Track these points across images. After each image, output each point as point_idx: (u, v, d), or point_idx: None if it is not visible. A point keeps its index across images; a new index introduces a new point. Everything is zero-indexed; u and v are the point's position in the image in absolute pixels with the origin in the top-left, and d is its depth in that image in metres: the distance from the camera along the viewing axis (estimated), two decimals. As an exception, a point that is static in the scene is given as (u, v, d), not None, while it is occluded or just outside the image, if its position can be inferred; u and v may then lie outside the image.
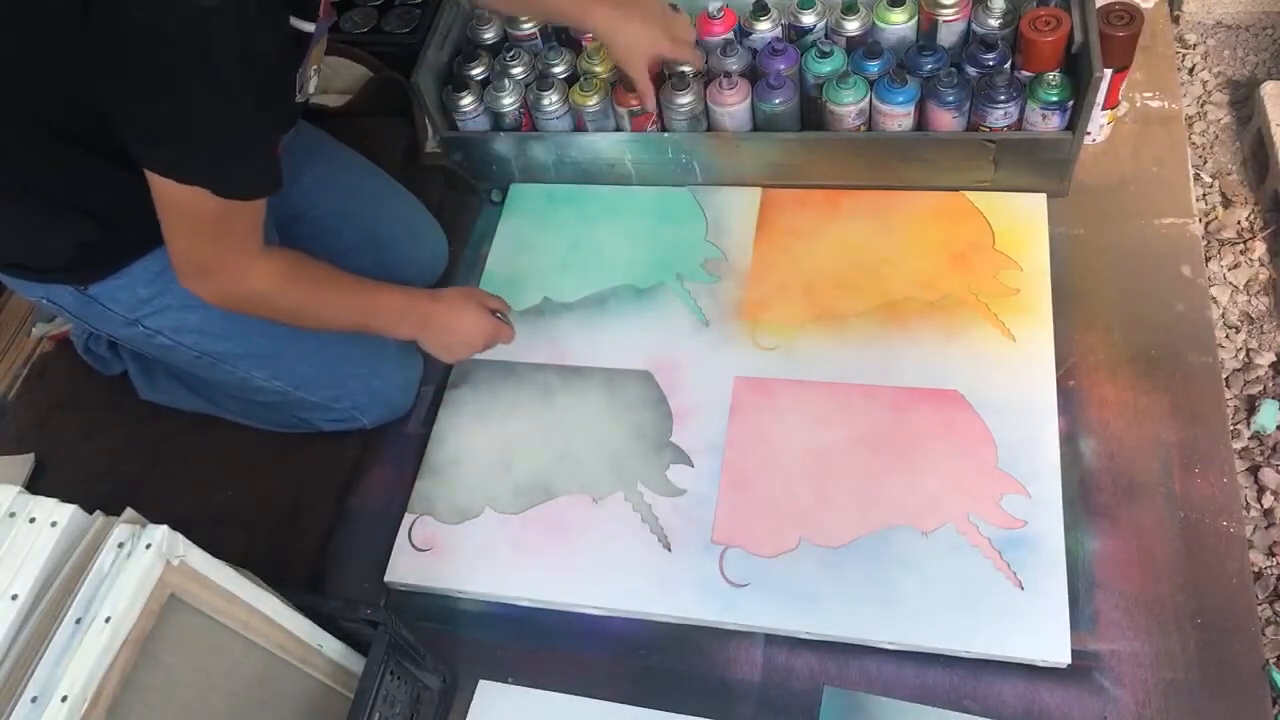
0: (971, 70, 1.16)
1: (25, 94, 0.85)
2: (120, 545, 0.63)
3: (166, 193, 0.83)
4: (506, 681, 0.99)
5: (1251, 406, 1.26)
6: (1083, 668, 0.91)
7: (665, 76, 1.24)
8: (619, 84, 1.24)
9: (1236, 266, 1.38)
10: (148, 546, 0.63)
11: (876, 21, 1.21)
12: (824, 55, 1.18)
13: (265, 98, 0.84)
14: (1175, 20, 1.65)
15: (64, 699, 0.57)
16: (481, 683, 0.99)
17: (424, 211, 1.29)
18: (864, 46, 1.19)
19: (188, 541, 0.66)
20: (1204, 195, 1.46)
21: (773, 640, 0.97)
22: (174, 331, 1.04)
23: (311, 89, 0.98)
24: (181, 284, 0.92)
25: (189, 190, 0.82)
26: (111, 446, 1.24)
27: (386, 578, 1.06)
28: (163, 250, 0.92)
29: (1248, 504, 1.18)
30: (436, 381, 1.21)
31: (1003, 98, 1.12)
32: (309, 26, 0.90)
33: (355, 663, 0.86)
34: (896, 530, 0.99)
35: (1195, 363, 1.07)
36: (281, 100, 0.90)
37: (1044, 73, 1.11)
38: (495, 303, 1.14)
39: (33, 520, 0.63)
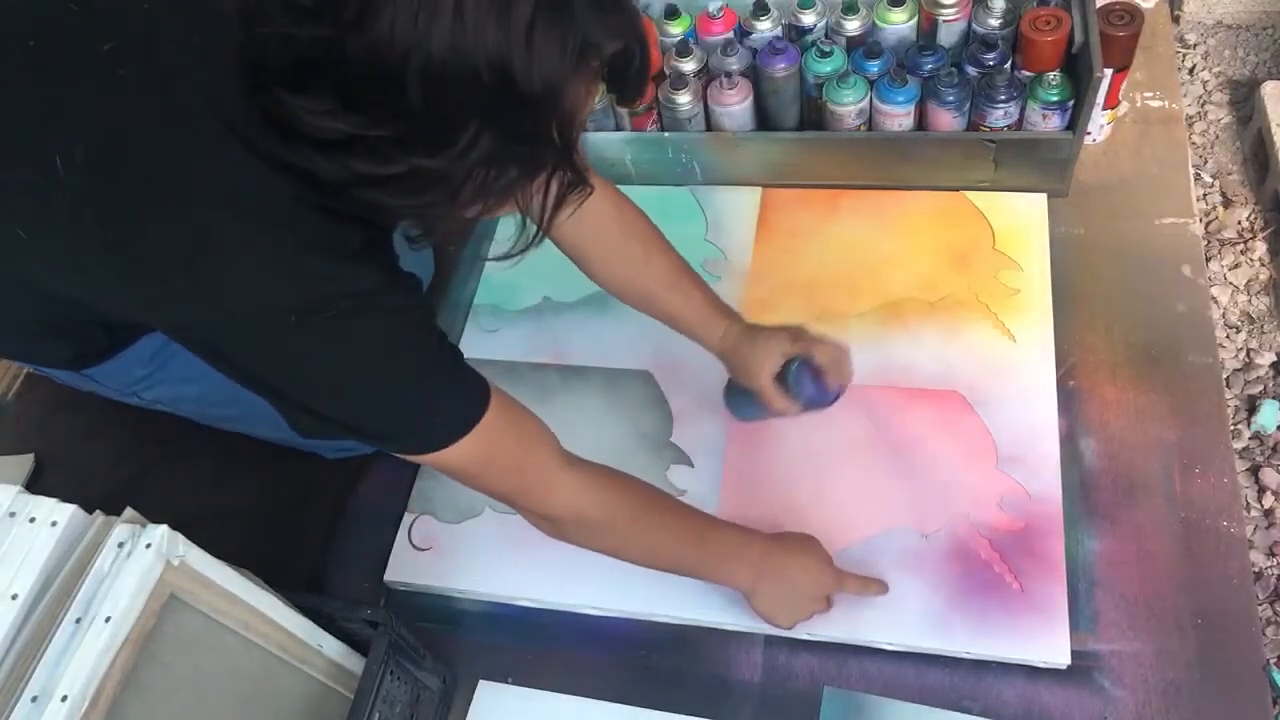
0: (971, 70, 1.16)
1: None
2: (120, 545, 0.63)
3: (406, 458, 0.73)
4: (506, 681, 0.99)
5: (1252, 406, 1.26)
6: (1083, 668, 0.91)
7: (664, 75, 1.24)
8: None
9: (1237, 266, 1.39)
10: (148, 546, 0.63)
11: (876, 21, 1.21)
12: (824, 55, 1.18)
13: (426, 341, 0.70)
14: (1175, 20, 1.66)
15: (64, 699, 0.57)
16: (481, 683, 0.99)
17: None
18: (864, 46, 1.19)
19: (188, 541, 0.66)
20: (1204, 195, 1.46)
21: (773, 641, 0.97)
22: (172, 401, 1.02)
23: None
24: None
25: (411, 457, 0.72)
26: (111, 446, 1.23)
27: (386, 577, 1.06)
28: (158, 334, 0.90)
29: (1248, 504, 1.19)
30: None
31: (1003, 97, 1.12)
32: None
33: (355, 663, 0.86)
34: (896, 531, 0.99)
35: (1195, 363, 1.07)
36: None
37: (1044, 73, 1.11)
38: (825, 555, 0.95)
39: (33, 520, 0.63)
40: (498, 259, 0.66)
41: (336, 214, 0.61)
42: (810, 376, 0.95)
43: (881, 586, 0.94)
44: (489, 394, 0.72)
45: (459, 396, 0.71)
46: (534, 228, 0.64)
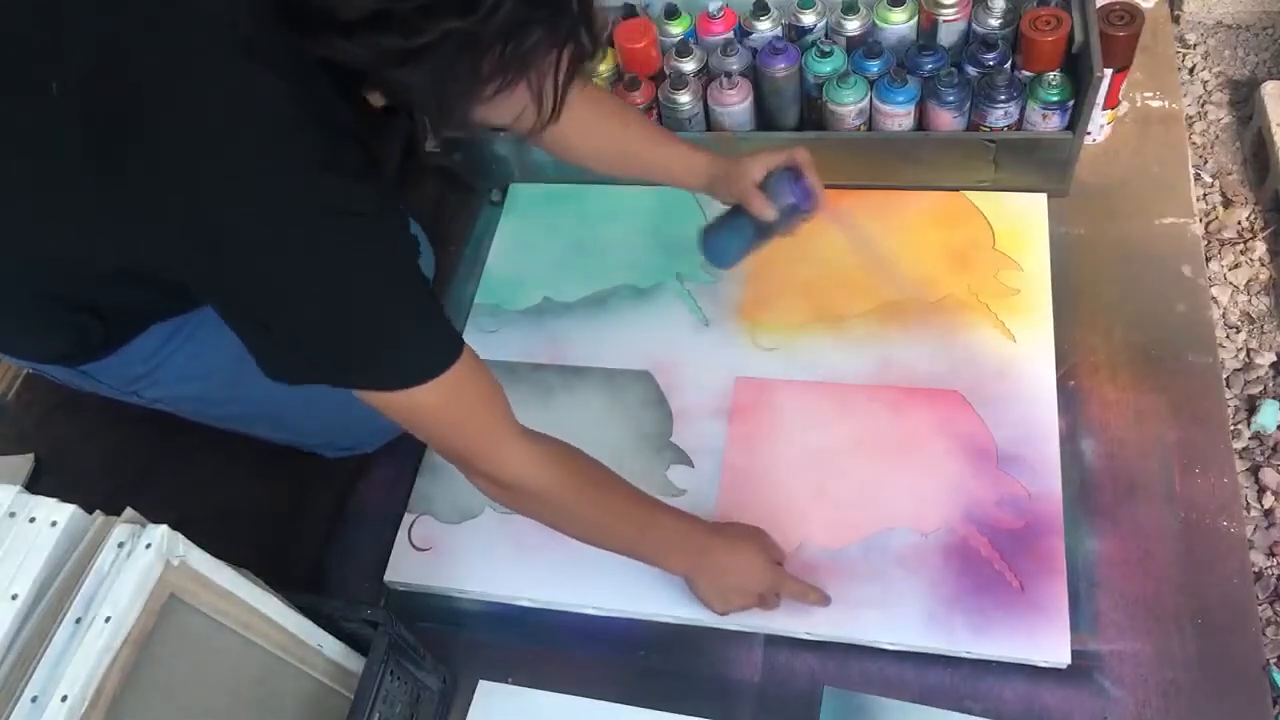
0: (971, 70, 1.16)
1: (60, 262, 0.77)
2: (120, 545, 0.63)
3: (368, 399, 0.72)
4: (506, 681, 0.99)
5: (1252, 406, 1.26)
6: (1083, 668, 0.91)
7: (664, 75, 1.24)
8: (619, 83, 1.24)
9: (1237, 266, 1.39)
10: (148, 546, 0.63)
11: (876, 21, 1.20)
12: (824, 55, 1.18)
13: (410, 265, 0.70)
14: (1175, 20, 1.66)
15: (64, 699, 0.57)
16: (481, 683, 0.99)
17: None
18: (864, 46, 1.19)
19: (188, 541, 0.66)
20: (1204, 195, 1.46)
21: (773, 640, 0.97)
22: (172, 400, 1.02)
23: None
24: None
25: (375, 396, 0.71)
26: (111, 446, 1.24)
27: (386, 577, 1.06)
28: (159, 326, 0.90)
29: (1248, 504, 1.19)
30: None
31: (1003, 97, 1.12)
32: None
33: (355, 663, 0.86)
34: (896, 531, 0.99)
35: (1195, 363, 1.07)
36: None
37: (1044, 72, 1.11)
38: (778, 553, 0.97)
39: (33, 520, 0.63)
40: (518, 134, 0.70)
41: (335, 129, 0.62)
42: (790, 181, 0.97)
43: (821, 598, 0.94)
44: (462, 346, 0.73)
45: (435, 337, 0.72)
46: (548, 107, 0.66)
